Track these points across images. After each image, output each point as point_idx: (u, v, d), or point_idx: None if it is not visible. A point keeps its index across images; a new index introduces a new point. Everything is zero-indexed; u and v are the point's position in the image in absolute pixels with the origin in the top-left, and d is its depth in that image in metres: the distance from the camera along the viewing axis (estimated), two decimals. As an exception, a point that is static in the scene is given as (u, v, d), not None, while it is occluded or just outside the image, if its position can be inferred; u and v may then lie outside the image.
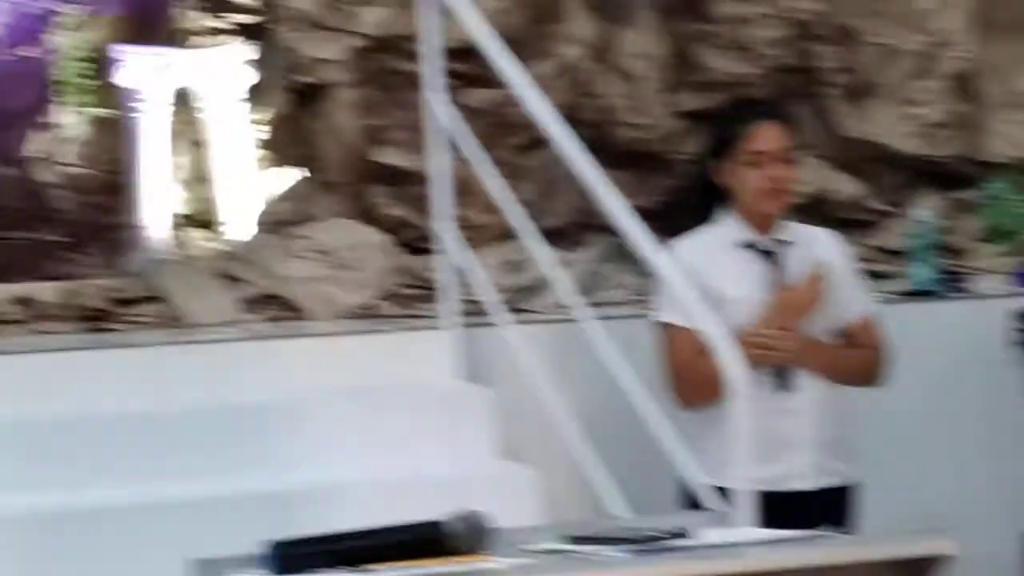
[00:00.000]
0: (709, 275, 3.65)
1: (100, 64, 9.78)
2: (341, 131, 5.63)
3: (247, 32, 8.86)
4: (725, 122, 3.88)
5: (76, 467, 3.88)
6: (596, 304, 4.35)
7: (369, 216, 5.54)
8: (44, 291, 5.26)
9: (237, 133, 9.24)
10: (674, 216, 4.01)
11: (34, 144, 9.81)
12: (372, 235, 5.44)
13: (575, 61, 5.64)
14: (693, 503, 3.53)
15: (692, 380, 3.61)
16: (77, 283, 5.52)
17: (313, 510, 3.70)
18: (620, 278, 5.37)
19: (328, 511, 3.66)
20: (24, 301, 5.13)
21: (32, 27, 9.87)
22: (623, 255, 5.08)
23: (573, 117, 4.31)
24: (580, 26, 5.68)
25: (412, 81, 4.79)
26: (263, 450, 4.02)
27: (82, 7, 9.89)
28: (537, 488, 4.03)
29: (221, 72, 9.30)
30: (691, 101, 5.74)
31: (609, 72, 5.71)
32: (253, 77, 6.85)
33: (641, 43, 5.74)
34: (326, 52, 5.60)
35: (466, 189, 4.55)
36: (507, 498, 3.69)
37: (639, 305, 4.33)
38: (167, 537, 3.61)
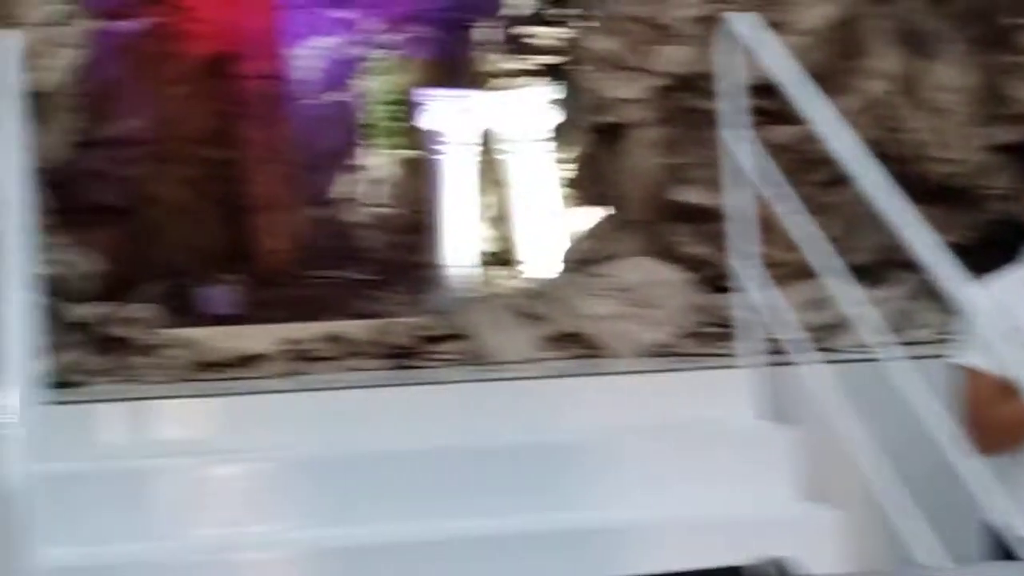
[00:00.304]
0: (1019, 316, 3.53)
1: (406, 107, 10.04)
2: (641, 170, 5.64)
3: (550, 73, 8.97)
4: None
5: (382, 502, 3.97)
6: (902, 343, 4.24)
7: (669, 254, 5.53)
8: (353, 329, 5.40)
9: (539, 173, 9.35)
10: (986, 253, 3.88)
11: (343, 186, 10.13)
12: (672, 273, 5.43)
13: (881, 96, 5.53)
14: (1005, 552, 3.40)
15: (993, 426, 3.49)
16: (385, 321, 5.66)
17: (611, 550, 3.69)
18: (927, 317, 5.23)
19: (626, 551, 3.66)
20: (334, 338, 5.28)
21: (342, 73, 10.20)
22: (930, 293, 4.95)
23: (879, 152, 4.22)
24: (886, 60, 5.57)
25: (712, 119, 4.78)
26: (562, 488, 4.04)
27: (390, 52, 10.18)
28: (842, 532, 3.95)
29: (524, 113, 9.44)
30: (1003, 135, 5.56)
31: (916, 106, 5.58)
32: (556, 117, 6.93)
33: (949, 76, 5.59)
34: (627, 92, 5.63)
35: (767, 226, 4.50)
36: (810, 542, 3.62)
37: (946, 344, 4.22)
38: (465, 573, 3.65)
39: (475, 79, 9.93)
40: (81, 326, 4.92)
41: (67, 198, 5.05)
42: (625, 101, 5.63)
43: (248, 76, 9.82)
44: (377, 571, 3.78)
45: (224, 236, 9.44)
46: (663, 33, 5.59)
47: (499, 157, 9.70)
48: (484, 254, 9.57)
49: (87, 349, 4.89)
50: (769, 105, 4.67)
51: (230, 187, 9.61)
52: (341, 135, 10.16)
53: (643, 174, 5.62)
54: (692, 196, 5.49)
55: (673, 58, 5.56)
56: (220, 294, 8.62)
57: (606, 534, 3.86)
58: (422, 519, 3.90)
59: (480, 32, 9.99)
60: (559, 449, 4.16)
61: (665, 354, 5.14)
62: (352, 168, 10.15)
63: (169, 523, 3.94)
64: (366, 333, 5.34)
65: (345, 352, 5.22)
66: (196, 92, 9.54)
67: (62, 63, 5.01)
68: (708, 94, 4.91)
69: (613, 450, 4.19)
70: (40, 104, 4.57)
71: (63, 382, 4.43)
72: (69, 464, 3.89)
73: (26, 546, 3.11)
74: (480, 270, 9.40)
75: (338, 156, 10.15)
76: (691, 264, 5.47)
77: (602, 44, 5.69)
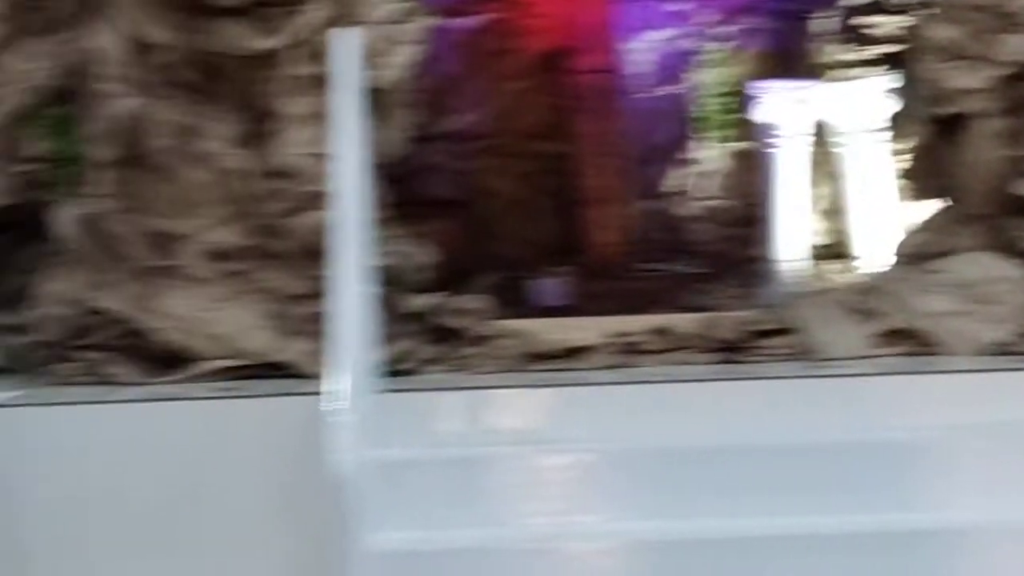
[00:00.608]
0: None
1: (740, 99, 9.97)
2: (982, 162, 5.48)
3: (887, 63, 8.77)
4: None
5: (707, 496, 3.96)
6: None
7: (1011, 249, 5.36)
8: (681, 322, 5.39)
9: (874, 164, 9.17)
10: None
11: (674, 179, 10.13)
12: (1014, 269, 5.25)
13: None
14: None
15: None
16: (713, 315, 5.63)
17: (944, 552, 3.60)
18: None
19: (960, 554, 3.56)
20: (662, 331, 5.28)
21: (676, 65, 10.20)
22: None
23: None
24: None
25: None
26: (893, 488, 3.96)
27: (724, 44, 10.13)
28: None
29: (859, 104, 9.27)
30: None
31: None
32: (892, 108, 6.78)
33: None
34: (968, 81, 5.48)
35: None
36: None
37: None
38: (786, 571, 3.61)
39: (810, 70, 9.79)
40: (415, 316, 5.04)
41: (404, 191, 5.18)
42: (966, 91, 5.48)
43: (583, 70, 9.90)
44: (698, 567, 3.77)
45: (556, 229, 9.55)
46: (1008, 21, 5.42)
47: (833, 149, 9.53)
48: (816, 247, 9.43)
49: (420, 338, 5.01)
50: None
51: (563, 181, 9.71)
52: (674, 128, 10.16)
53: (984, 166, 5.46)
54: (1034, 190, 5.32)
55: (1019, 47, 5.39)
56: (550, 286, 8.72)
57: (939, 536, 3.76)
58: (744, 515, 3.87)
59: (816, 22, 9.84)
60: (891, 448, 4.07)
61: (1006, 353, 4.97)
62: (684, 161, 10.14)
63: (499, 510, 4.01)
64: (694, 327, 5.33)
65: (672, 345, 5.22)
66: (531, 87, 9.67)
67: (401, 60, 5.15)
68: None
69: (948, 450, 4.08)
70: (378, 100, 4.71)
71: (396, 371, 4.55)
72: (402, 450, 4.00)
73: (359, 529, 3.21)
74: (811, 264, 9.27)
75: (670, 149, 10.15)
76: (1034, 260, 5.29)
77: (943, 33, 5.55)
